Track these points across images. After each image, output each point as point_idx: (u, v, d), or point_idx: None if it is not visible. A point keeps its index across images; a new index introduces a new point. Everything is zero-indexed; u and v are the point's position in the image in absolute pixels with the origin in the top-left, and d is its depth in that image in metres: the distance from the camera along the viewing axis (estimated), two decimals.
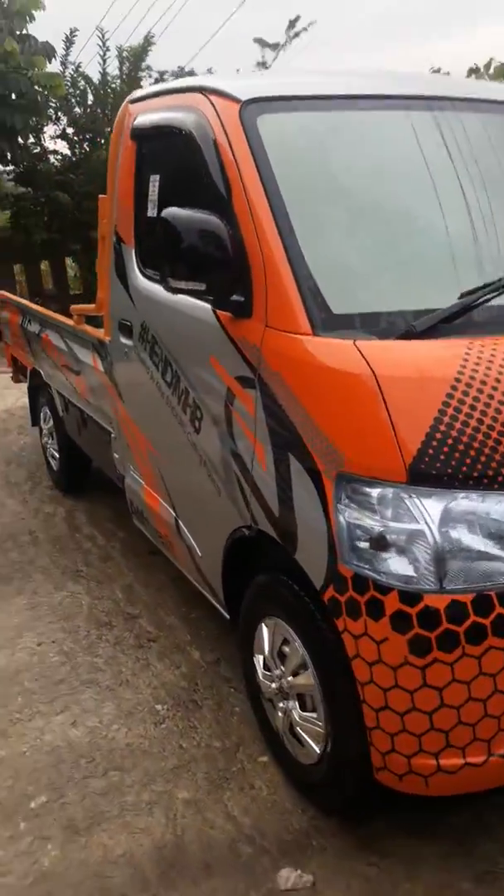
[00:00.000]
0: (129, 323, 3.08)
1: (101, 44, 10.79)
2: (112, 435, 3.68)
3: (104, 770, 2.55)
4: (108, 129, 9.64)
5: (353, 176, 2.29)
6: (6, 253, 11.44)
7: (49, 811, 2.39)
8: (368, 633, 1.83)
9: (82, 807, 2.40)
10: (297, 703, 2.24)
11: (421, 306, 2.05)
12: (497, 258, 2.26)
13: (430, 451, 1.78)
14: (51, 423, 5.05)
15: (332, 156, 2.33)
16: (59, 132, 11.31)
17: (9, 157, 10.73)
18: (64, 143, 11.41)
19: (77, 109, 11.24)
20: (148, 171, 2.93)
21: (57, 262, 12.33)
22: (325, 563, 1.92)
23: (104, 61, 10.90)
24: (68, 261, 12.48)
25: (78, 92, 11.15)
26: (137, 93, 3.20)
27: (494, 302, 2.06)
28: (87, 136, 11.33)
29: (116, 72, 11.16)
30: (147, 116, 2.95)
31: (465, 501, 1.79)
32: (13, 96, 9.80)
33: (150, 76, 11.41)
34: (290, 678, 2.25)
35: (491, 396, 1.83)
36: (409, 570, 1.78)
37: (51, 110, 10.96)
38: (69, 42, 11.02)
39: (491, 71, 10.70)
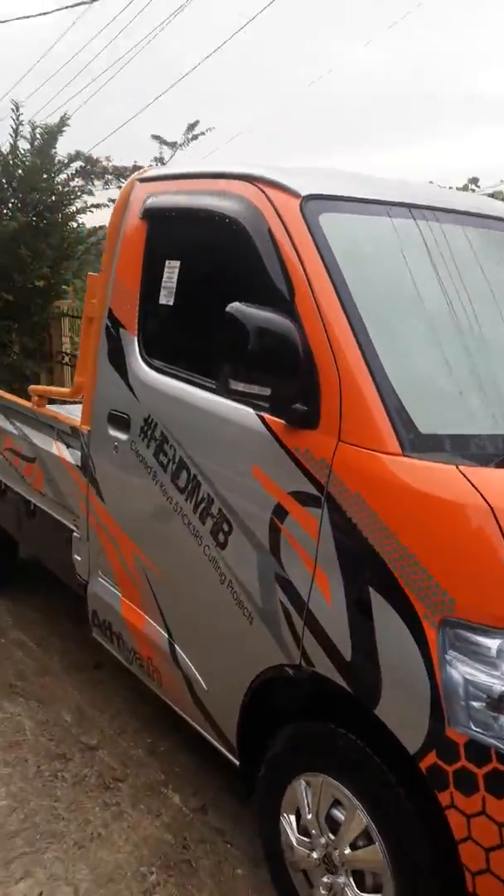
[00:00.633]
0: (124, 415, 2.77)
1: (14, 116, 10.62)
2: (74, 534, 3.28)
3: None
4: (13, 202, 9.33)
5: (423, 285, 2.15)
6: None
7: None
8: (487, 813, 1.56)
9: None
10: (351, 879, 1.91)
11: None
12: None
13: None
14: None
15: (400, 262, 2.19)
16: None
17: None
18: None
19: None
20: (163, 255, 2.69)
21: None
22: (426, 725, 1.64)
23: (16, 133, 10.72)
24: None
25: None
26: (148, 172, 2.98)
27: None
28: None
29: (28, 146, 11.00)
30: (166, 198, 2.73)
31: None
32: None
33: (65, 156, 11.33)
34: (346, 850, 1.92)
35: None
36: None
37: None
38: None
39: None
